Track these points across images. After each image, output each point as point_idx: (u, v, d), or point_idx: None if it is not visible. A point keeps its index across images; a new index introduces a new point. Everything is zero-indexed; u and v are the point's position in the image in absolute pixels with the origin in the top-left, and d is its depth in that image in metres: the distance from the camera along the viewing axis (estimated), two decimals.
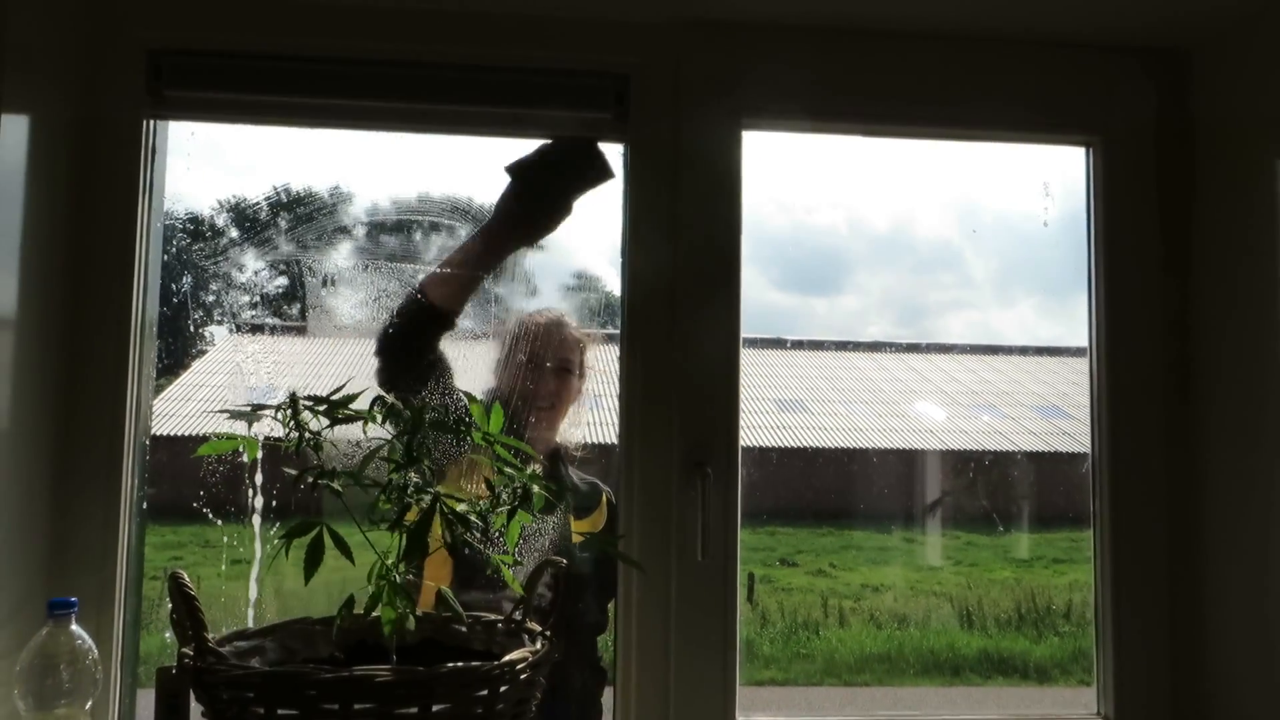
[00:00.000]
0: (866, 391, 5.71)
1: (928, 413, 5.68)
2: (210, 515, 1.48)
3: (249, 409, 1.07)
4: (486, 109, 1.56)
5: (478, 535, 1.05)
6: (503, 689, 0.98)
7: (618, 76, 1.56)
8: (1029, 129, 1.66)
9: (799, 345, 5.42)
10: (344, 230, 1.78)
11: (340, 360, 1.67)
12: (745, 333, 1.55)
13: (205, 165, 1.64)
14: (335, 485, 1.00)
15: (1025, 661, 5.72)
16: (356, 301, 1.63)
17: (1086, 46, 1.61)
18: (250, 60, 1.51)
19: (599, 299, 1.91)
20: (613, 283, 1.74)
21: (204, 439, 1.07)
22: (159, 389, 1.56)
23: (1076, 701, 1.62)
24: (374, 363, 1.60)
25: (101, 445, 1.45)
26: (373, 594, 1.02)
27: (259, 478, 1.37)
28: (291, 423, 1.04)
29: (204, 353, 2.84)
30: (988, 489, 5.86)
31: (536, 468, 1.12)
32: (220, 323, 2.79)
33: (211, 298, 2.48)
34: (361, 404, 1.07)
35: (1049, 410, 5.45)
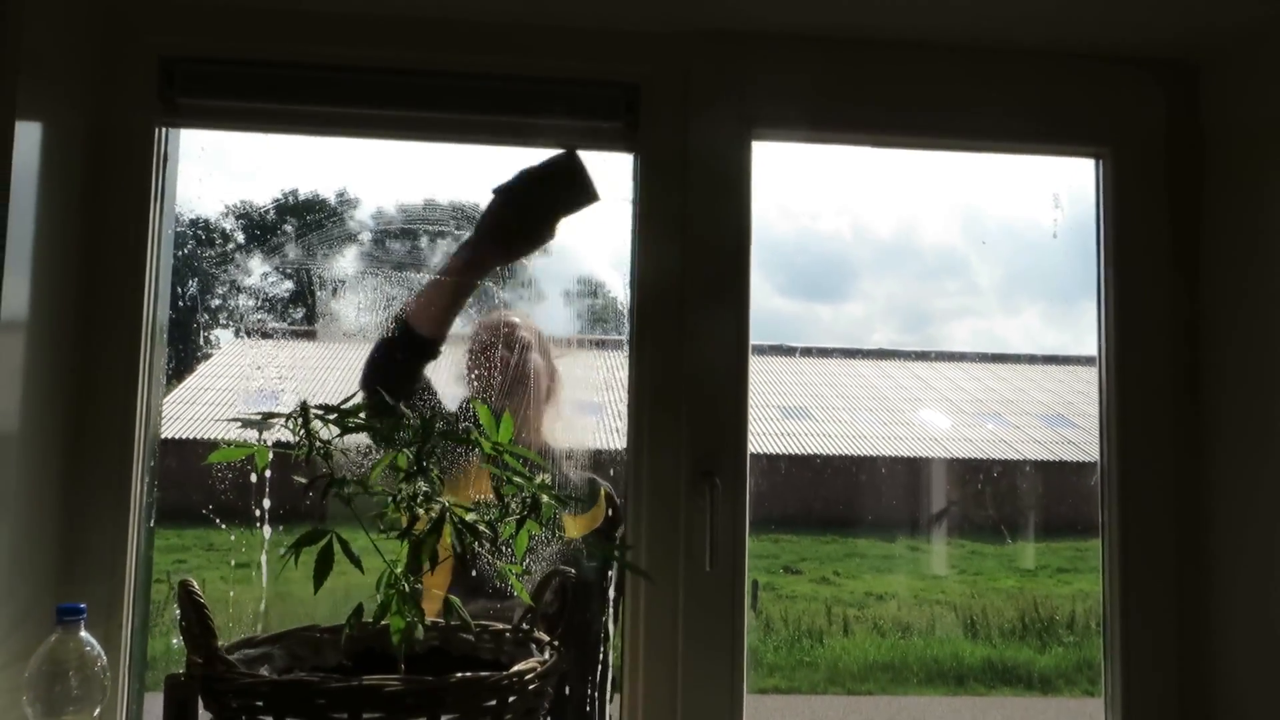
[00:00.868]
0: (871, 399, 5.70)
1: (933, 420, 5.67)
2: (217, 520, 1.48)
3: (260, 417, 1.07)
4: (496, 118, 1.56)
5: (486, 545, 1.05)
6: (511, 699, 0.98)
7: (628, 86, 1.56)
8: (1039, 140, 1.66)
9: (807, 353, 5.41)
10: (350, 236, 1.78)
11: (345, 365, 1.67)
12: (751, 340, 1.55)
13: (213, 171, 1.65)
14: (345, 493, 1.01)
15: (1030, 671, 5.69)
16: (362, 306, 1.64)
17: (1096, 58, 1.62)
18: (262, 69, 1.52)
19: (604, 305, 1.91)
20: (617, 289, 1.74)
21: (209, 442, 1.08)
22: (164, 392, 1.57)
23: (1083, 712, 1.62)
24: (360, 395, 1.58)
25: (112, 451, 1.45)
26: (381, 602, 1.02)
27: (267, 484, 1.37)
28: (302, 431, 1.04)
29: (210, 356, 2.85)
30: (994, 498, 5.85)
31: (545, 477, 1.12)
32: (226, 326, 2.80)
33: (217, 301, 2.49)
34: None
35: (1054, 419, 5.44)
